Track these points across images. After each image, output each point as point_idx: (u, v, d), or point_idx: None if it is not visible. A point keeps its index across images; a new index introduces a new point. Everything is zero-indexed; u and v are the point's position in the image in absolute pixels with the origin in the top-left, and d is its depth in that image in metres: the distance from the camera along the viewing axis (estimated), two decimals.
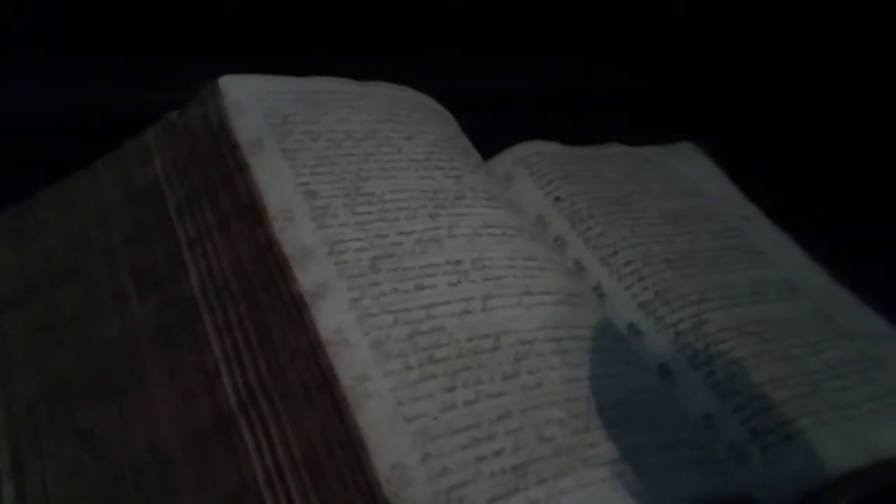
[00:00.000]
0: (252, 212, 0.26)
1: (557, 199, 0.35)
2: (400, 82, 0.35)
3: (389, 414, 0.22)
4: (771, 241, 0.37)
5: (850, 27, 0.48)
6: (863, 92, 0.47)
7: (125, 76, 0.40)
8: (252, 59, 0.33)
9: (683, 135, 0.43)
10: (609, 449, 0.23)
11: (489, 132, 0.38)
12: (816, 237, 0.37)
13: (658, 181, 0.38)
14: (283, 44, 0.44)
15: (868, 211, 0.41)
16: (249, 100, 0.30)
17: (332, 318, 0.24)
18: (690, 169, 0.40)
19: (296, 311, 0.24)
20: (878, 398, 0.28)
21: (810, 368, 0.29)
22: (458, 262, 0.27)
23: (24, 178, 0.32)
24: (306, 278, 0.24)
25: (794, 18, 0.49)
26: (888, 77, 0.46)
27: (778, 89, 0.49)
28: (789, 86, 0.49)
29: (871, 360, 0.30)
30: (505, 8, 0.50)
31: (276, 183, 0.27)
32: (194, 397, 0.24)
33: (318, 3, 0.45)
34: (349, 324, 0.24)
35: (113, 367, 0.25)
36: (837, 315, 0.32)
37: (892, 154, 0.44)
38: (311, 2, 0.45)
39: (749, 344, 0.29)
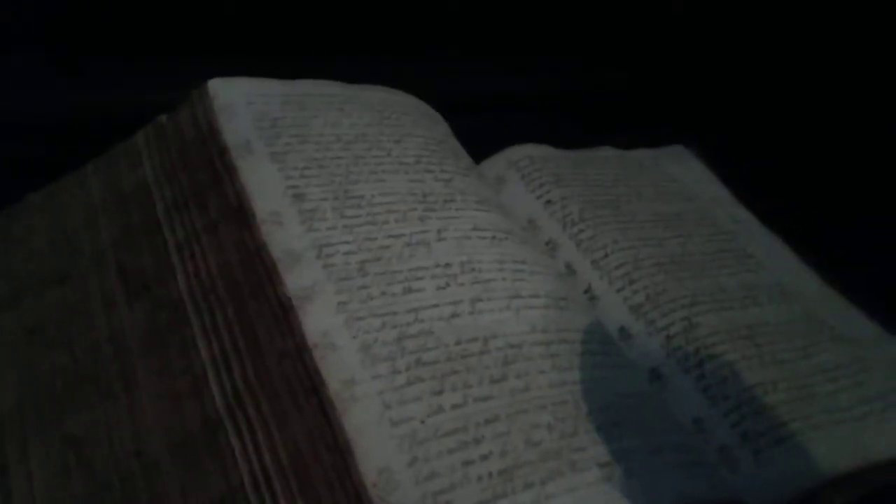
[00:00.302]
0: (240, 215, 0.26)
1: (549, 202, 0.35)
2: (399, 82, 0.35)
3: (376, 418, 0.22)
4: (763, 244, 0.37)
5: (844, 33, 0.48)
6: (855, 96, 0.47)
7: (125, 76, 0.40)
8: (252, 59, 0.33)
9: (678, 136, 0.43)
10: (597, 453, 0.23)
11: (487, 133, 0.38)
12: (808, 241, 0.37)
13: (649, 185, 0.38)
14: (283, 44, 0.44)
15: (860, 214, 0.41)
16: (238, 103, 0.30)
17: (319, 321, 0.23)
18: (682, 172, 0.40)
19: (283, 314, 0.24)
20: (869, 401, 0.28)
21: (801, 372, 0.29)
22: (447, 266, 0.27)
23: (24, 179, 0.32)
24: (294, 281, 0.24)
25: (790, 22, 0.49)
26: (880, 81, 0.46)
27: (772, 92, 0.49)
28: (783, 89, 0.49)
29: (861, 363, 0.30)
30: (505, 8, 0.50)
31: (265, 186, 0.27)
32: (181, 401, 0.24)
33: (317, 4, 0.45)
34: (336, 327, 0.23)
35: (101, 371, 0.25)
36: (829, 319, 0.32)
37: (884, 157, 0.44)
38: (311, 2, 0.45)
39: (740, 348, 0.29)
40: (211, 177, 0.28)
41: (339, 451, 0.21)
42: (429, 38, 0.48)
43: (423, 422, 0.22)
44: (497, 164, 0.36)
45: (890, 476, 0.26)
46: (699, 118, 0.46)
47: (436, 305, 0.25)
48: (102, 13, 0.41)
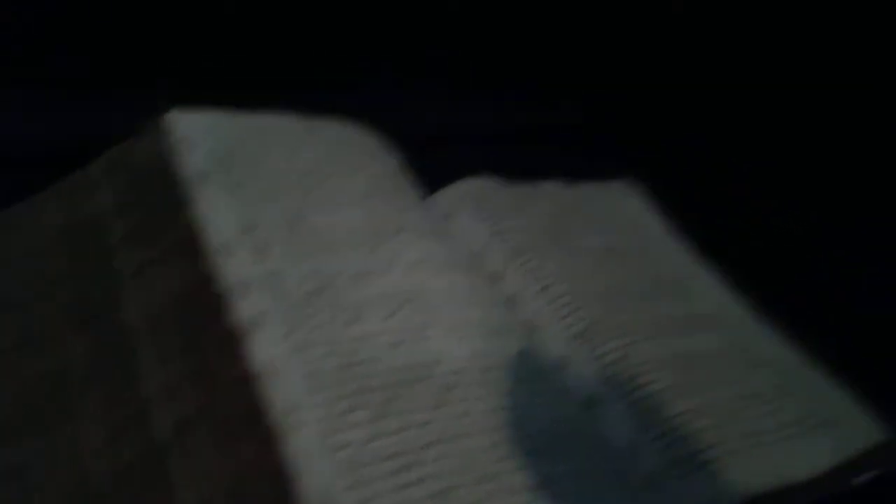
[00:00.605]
0: (193, 246, 0.27)
1: (496, 233, 0.36)
2: (353, 115, 0.37)
3: (318, 444, 0.22)
4: (699, 276, 0.39)
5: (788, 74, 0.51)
6: (799, 133, 0.50)
7: (98, 108, 0.40)
8: (227, 90, 0.34)
9: (626, 170, 0.46)
10: (530, 476, 0.24)
11: (444, 166, 0.39)
12: (743, 274, 0.39)
13: (593, 218, 0.40)
14: (256, 76, 0.45)
15: (794, 249, 0.44)
16: (195, 134, 0.31)
17: (265, 350, 0.24)
18: (625, 206, 0.42)
19: (231, 343, 0.24)
20: (787, 426, 0.30)
21: (727, 399, 0.31)
22: (394, 295, 0.28)
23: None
24: (243, 311, 0.25)
25: (739, 54, 0.52)
26: (832, 117, 0.49)
27: (715, 128, 0.52)
28: (726, 124, 0.52)
29: (781, 390, 0.32)
30: (464, 41, 0.52)
31: (218, 217, 0.28)
32: (128, 430, 0.24)
33: (276, 40, 0.46)
34: (282, 356, 0.24)
35: (46, 402, 0.25)
36: (754, 347, 0.34)
37: (819, 189, 0.47)
38: (276, 37, 0.46)
39: (672, 376, 0.31)
40: (165, 207, 0.28)
41: (280, 477, 0.22)
42: (388, 72, 0.49)
43: (363, 446, 0.23)
44: (447, 196, 0.38)
45: (804, 498, 0.28)
46: (646, 153, 0.49)
47: (381, 334, 0.26)
48: (79, 44, 0.41)
